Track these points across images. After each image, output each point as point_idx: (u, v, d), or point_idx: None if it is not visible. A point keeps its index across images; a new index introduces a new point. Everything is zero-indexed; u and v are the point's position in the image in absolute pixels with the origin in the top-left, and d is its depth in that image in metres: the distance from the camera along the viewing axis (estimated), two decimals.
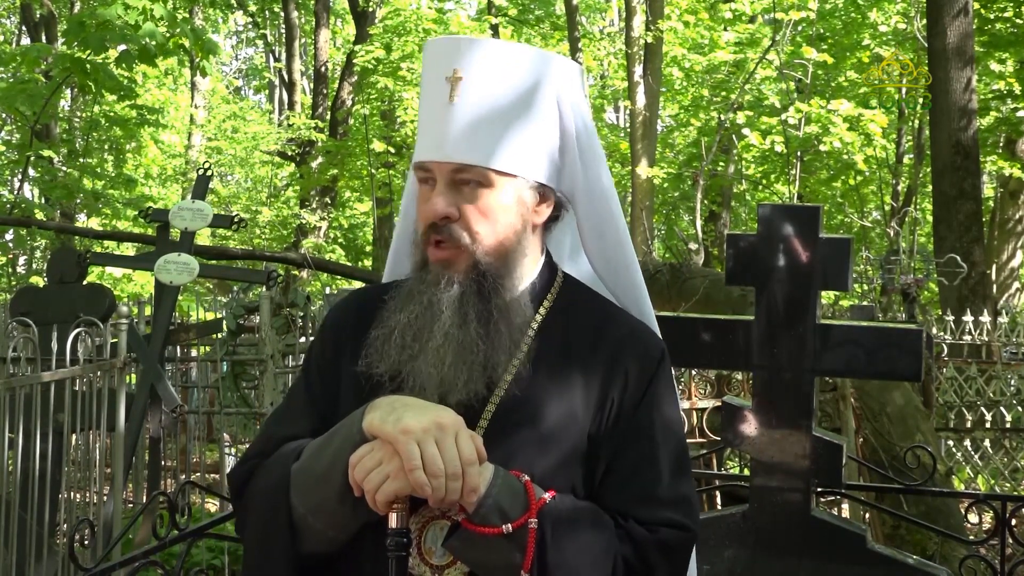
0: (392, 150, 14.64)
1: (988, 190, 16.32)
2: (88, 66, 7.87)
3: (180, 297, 6.34)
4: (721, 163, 15.91)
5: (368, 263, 18.32)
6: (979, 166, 10.35)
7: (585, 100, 1.58)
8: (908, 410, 4.63)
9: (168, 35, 7.80)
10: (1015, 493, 5.65)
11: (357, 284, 10.98)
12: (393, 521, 1.31)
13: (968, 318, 8.03)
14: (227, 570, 4.83)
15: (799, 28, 13.37)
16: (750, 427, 2.48)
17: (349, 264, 16.82)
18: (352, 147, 15.53)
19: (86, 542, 2.91)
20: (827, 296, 8.98)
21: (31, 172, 12.13)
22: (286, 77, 19.88)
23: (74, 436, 4.82)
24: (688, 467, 1.48)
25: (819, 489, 2.64)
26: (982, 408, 6.34)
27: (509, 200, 1.44)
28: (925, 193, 15.65)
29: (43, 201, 14.03)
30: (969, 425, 6.20)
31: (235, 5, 20.05)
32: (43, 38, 17.11)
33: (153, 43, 7.51)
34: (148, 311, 6.86)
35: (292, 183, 19.36)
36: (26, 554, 4.14)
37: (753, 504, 2.49)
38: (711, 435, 5.73)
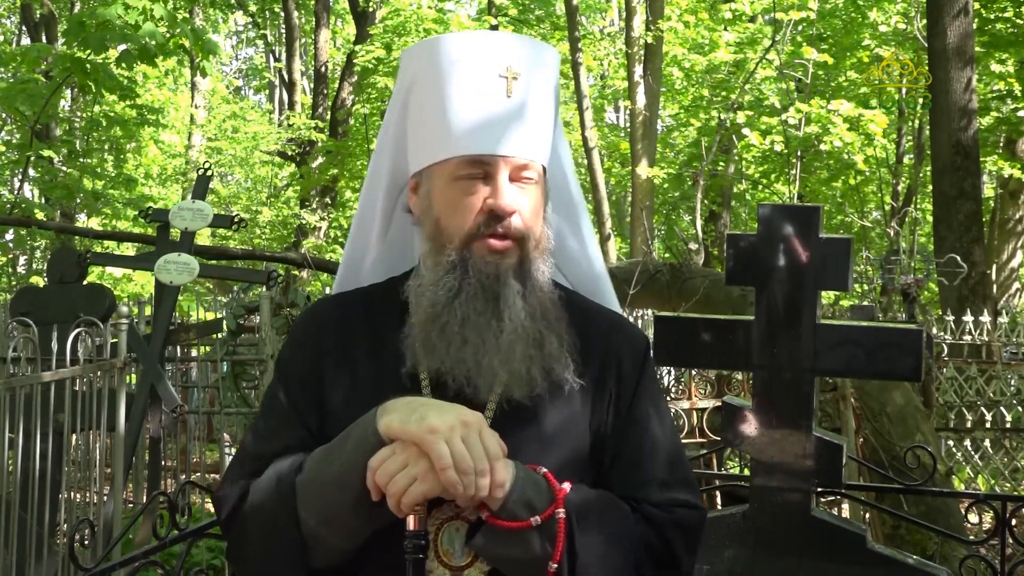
0: None
1: (988, 190, 16.32)
2: (88, 66, 7.89)
3: (180, 297, 6.34)
4: (721, 163, 15.89)
5: None
6: (979, 166, 10.34)
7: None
8: (908, 410, 4.63)
9: (168, 35, 7.80)
10: (1015, 493, 5.65)
11: None
12: (412, 524, 1.28)
13: (968, 318, 8.03)
14: (227, 570, 4.82)
15: (799, 28, 13.36)
16: (750, 427, 2.48)
17: None
18: (352, 147, 15.54)
19: (86, 542, 2.91)
20: (827, 296, 8.98)
21: (31, 172, 12.13)
22: (286, 77, 19.86)
23: (74, 436, 4.82)
24: (684, 451, 1.54)
25: (819, 489, 2.63)
26: (982, 408, 6.34)
27: (542, 195, 1.48)
28: (925, 193, 15.65)
29: (43, 201, 14.02)
30: (969, 425, 6.20)
31: (235, 5, 20.06)
32: (43, 38, 17.12)
33: (153, 43, 7.52)
34: (148, 311, 6.85)
35: (292, 183, 19.36)
36: (26, 554, 4.13)
37: (753, 504, 2.49)
38: (711, 435, 5.73)
